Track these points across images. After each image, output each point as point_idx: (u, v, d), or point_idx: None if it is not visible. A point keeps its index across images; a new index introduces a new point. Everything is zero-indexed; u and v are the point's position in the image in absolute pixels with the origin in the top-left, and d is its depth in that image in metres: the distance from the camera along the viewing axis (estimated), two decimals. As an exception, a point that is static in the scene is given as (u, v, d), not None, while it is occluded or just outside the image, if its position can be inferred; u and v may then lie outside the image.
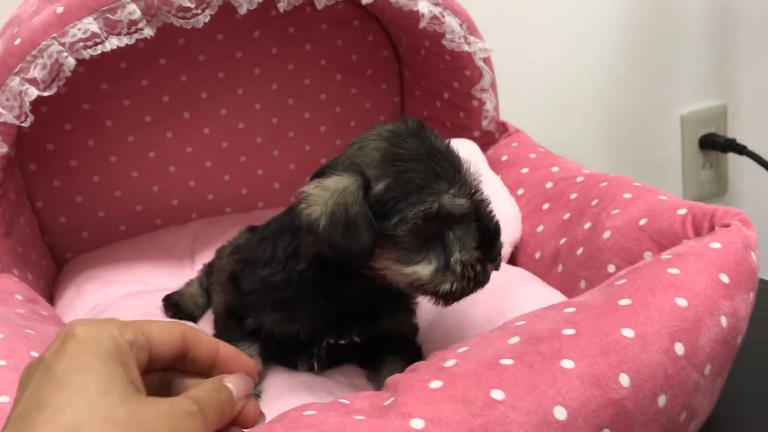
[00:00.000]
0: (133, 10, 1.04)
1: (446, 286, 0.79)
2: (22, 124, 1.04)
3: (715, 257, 0.78)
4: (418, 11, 1.21)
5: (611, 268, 0.95)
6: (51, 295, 1.27)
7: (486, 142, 1.38)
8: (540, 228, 1.13)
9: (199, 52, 1.36)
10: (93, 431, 0.51)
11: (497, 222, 0.83)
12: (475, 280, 0.80)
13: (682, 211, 0.91)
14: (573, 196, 1.11)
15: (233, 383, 0.62)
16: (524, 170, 1.24)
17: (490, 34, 1.33)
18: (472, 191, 0.82)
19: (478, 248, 0.80)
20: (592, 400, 0.65)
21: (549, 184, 1.18)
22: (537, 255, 1.11)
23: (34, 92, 1.02)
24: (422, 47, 1.36)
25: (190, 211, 1.44)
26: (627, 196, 1.02)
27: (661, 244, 0.91)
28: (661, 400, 0.68)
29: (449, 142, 0.84)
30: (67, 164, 1.34)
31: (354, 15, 1.45)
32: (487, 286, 1.02)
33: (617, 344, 0.68)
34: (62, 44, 1.02)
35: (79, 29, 1.03)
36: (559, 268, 1.05)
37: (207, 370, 0.64)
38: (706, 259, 0.77)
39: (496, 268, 0.83)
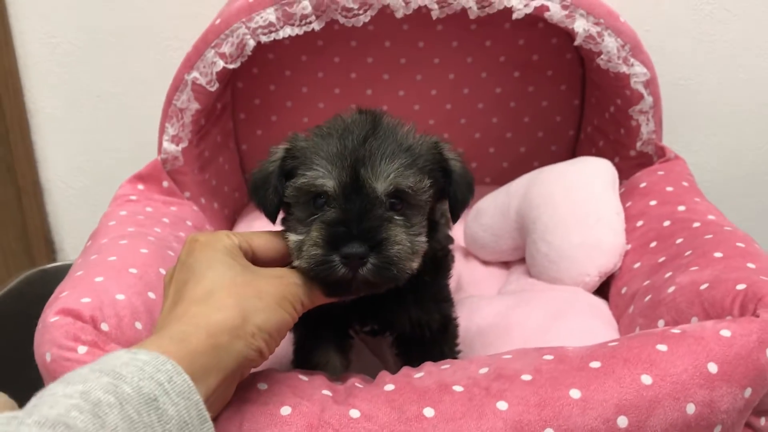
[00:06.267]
0: (306, 6, 1.22)
1: (298, 263, 0.81)
2: (210, 89, 1.28)
3: (714, 345, 0.77)
4: (573, 29, 1.23)
5: (661, 323, 0.95)
6: (233, 222, 1.56)
7: (641, 163, 1.36)
8: (637, 265, 1.13)
9: (386, 39, 1.51)
10: (223, 291, 0.73)
11: (362, 215, 0.79)
12: (322, 266, 0.79)
13: (741, 287, 0.88)
14: (679, 241, 1.09)
15: None
16: (652, 203, 1.22)
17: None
18: (351, 179, 0.81)
19: (327, 235, 0.79)
20: (507, 442, 0.72)
21: (666, 223, 1.16)
22: (623, 290, 1.12)
23: (220, 64, 1.26)
24: (594, 58, 1.36)
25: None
26: (718, 255, 0.99)
27: (708, 314, 0.89)
28: (588, 462, 0.72)
29: (391, 135, 0.84)
30: (268, 118, 1.60)
31: (541, 17, 1.48)
32: (545, 312, 1.08)
33: (558, 401, 0.74)
34: (248, 28, 1.24)
35: (261, 17, 1.23)
36: (631, 309, 1.06)
37: None
38: (703, 345, 0.77)
39: (349, 265, 0.78)
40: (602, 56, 1.26)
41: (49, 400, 0.57)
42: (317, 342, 0.97)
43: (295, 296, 0.79)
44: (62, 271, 1.67)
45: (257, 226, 1.49)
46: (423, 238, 0.86)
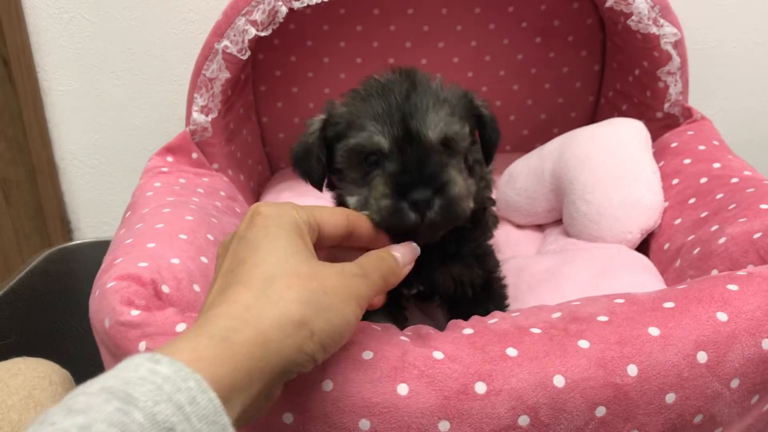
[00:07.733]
0: (339, -30, 1.21)
1: (368, 213, 0.83)
2: (242, 57, 1.27)
3: (783, 283, 0.78)
4: (604, -11, 1.24)
5: (714, 273, 0.97)
6: (259, 195, 1.55)
7: (668, 124, 1.38)
8: (678, 221, 1.15)
9: (409, 6, 1.51)
10: (284, 280, 0.64)
11: (421, 163, 0.83)
12: (394, 215, 0.81)
13: (796, 232, 0.90)
14: (719, 196, 1.11)
15: (401, 252, 0.79)
16: (687, 161, 1.23)
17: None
18: (403, 133, 0.83)
19: (393, 185, 0.82)
20: (593, 378, 0.73)
21: (704, 179, 1.17)
22: (666, 246, 1.13)
23: (252, 32, 1.25)
24: (619, 21, 1.38)
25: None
26: (764, 206, 1.01)
27: (764, 260, 0.91)
28: (670, 398, 0.74)
29: (426, 89, 0.87)
30: (289, 90, 1.59)
31: (563, -18, 1.50)
32: (594, 267, 1.09)
33: (638, 338, 0.75)
34: (280, -6, 1.23)
35: (294, -18, 1.23)
36: (677, 263, 1.08)
37: (367, 245, 0.82)
38: (773, 283, 0.78)
39: (417, 210, 0.81)
40: (632, 17, 1.27)
41: None
42: (370, 314, 0.97)
43: (359, 294, 0.70)
44: (82, 249, 1.67)
45: (284, 198, 1.49)
46: (471, 180, 0.90)
